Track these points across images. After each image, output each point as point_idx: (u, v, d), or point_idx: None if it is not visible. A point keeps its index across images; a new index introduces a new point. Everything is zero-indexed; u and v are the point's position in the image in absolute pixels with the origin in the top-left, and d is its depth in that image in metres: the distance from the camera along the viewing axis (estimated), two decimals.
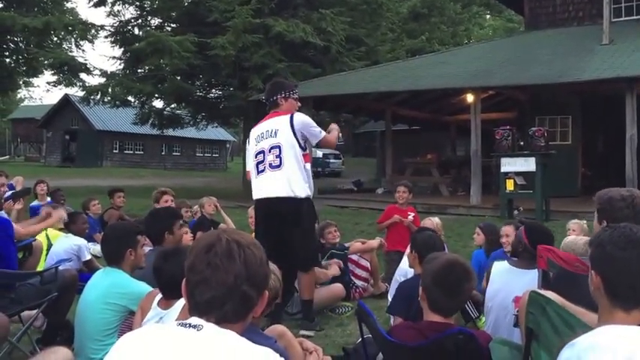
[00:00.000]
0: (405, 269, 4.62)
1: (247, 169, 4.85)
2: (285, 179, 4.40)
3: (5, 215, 4.79)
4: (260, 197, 4.54)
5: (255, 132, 4.69)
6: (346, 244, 5.87)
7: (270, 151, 4.49)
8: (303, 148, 4.50)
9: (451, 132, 18.87)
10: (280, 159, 4.44)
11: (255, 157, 4.60)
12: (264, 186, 4.50)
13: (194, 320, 1.43)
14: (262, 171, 4.52)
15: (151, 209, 5.50)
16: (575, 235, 4.94)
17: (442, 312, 2.46)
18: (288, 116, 4.52)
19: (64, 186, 10.34)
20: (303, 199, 4.44)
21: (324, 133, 4.62)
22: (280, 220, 4.44)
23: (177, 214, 4.23)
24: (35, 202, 8.25)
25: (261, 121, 4.71)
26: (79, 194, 11.04)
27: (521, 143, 10.62)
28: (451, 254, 2.86)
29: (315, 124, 4.63)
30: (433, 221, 5.90)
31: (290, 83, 5.05)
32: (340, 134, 4.94)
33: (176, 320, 1.87)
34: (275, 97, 4.65)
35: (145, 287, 3.22)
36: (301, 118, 4.55)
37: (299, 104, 4.80)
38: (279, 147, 4.46)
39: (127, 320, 3.22)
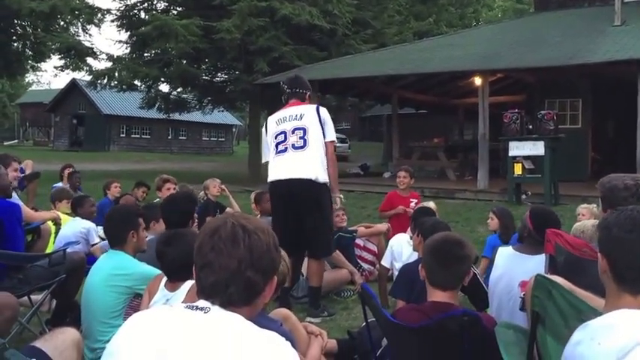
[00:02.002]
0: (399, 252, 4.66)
1: (264, 160, 4.74)
2: (309, 161, 4.35)
3: (16, 198, 4.83)
4: (279, 178, 4.42)
5: (275, 117, 4.64)
6: (350, 229, 5.87)
7: (293, 132, 4.41)
8: (325, 139, 4.52)
9: (459, 115, 18.74)
10: (305, 140, 4.38)
11: (275, 137, 4.49)
12: (285, 167, 4.40)
13: (201, 303, 1.44)
14: (283, 151, 4.43)
15: (171, 194, 5.48)
16: (586, 220, 4.92)
17: (441, 285, 2.50)
18: (315, 106, 4.57)
19: None
20: (323, 184, 4.39)
21: (335, 140, 4.62)
22: (300, 203, 4.35)
23: (195, 201, 4.16)
24: (59, 184, 8.33)
25: (282, 109, 4.67)
26: (86, 178, 11.09)
27: (530, 127, 10.51)
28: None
29: (333, 128, 4.63)
30: (428, 206, 5.89)
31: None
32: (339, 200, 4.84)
33: (183, 302, 1.88)
34: (304, 91, 4.69)
35: (148, 268, 3.24)
36: (326, 113, 4.57)
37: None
38: (304, 129, 4.41)
39: (132, 302, 3.24)
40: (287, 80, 4.82)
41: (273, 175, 4.48)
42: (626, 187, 2.52)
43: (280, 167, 4.43)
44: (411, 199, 6.60)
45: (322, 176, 4.38)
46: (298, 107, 4.56)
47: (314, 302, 4.55)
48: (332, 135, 4.54)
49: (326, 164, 4.43)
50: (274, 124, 4.57)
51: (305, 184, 4.33)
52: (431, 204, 5.95)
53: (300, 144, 4.38)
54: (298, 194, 4.35)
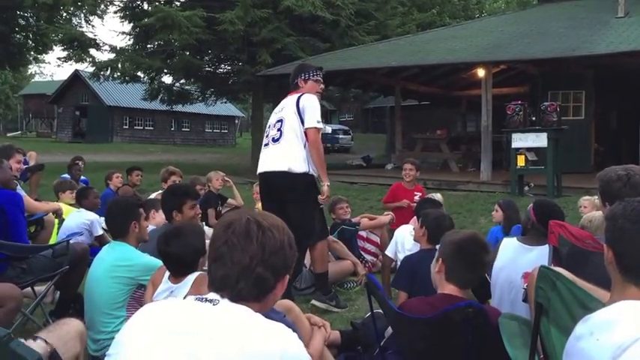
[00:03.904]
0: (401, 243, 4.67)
1: None
2: (282, 153, 4.37)
3: (19, 189, 4.84)
4: (260, 171, 4.55)
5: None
6: (353, 220, 5.88)
7: (274, 125, 4.50)
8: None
9: (462, 107, 18.69)
10: (280, 132, 4.42)
11: (265, 132, 4.65)
12: (264, 160, 4.51)
13: (211, 295, 1.46)
14: (266, 145, 4.54)
15: (170, 185, 5.51)
16: (588, 212, 4.92)
17: (459, 282, 2.51)
18: (297, 95, 4.49)
19: None
20: (298, 174, 4.34)
21: (317, 126, 4.37)
22: (277, 194, 4.42)
23: (190, 193, 4.12)
24: (67, 176, 8.34)
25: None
26: (89, 170, 11.11)
27: (533, 118, 10.49)
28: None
29: (317, 114, 4.42)
30: (435, 198, 5.89)
31: (312, 65, 4.92)
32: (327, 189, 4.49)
33: (188, 294, 1.89)
34: (296, 80, 4.63)
35: (150, 259, 3.25)
36: (307, 99, 4.42)
37: (322, 86, 4.70)
38: (281, 121, 4.45)
39: (135, 293, 3.25)
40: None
41: (258, 168, 4.60)
42: (618, 177, 2.52)
43: (262, 160, 4.55)
44: (415, 193, 6.60)
45: (297, 166, 4.34)
46: (286, 99, 4.58)
47: (322, 287, 4.57)
48: (311, 121, 4.35)
49: (305, 154, 4.35)
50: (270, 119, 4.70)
51: (279, 176, 4.37)
52: (438, 195, 5.96)
53: (277, 136, 4.43)
54: (275, 186, 4.43)
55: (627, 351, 1.32)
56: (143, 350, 1.38)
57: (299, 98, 4.44)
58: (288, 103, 4.51)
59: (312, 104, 4.42)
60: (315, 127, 4.38)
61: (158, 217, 4.33)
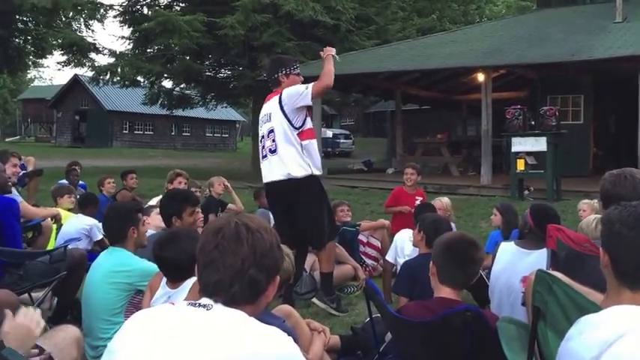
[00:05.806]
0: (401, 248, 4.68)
1: None
2: (281, 163, 4.40)
3: (16, 194, 4.83)
4: (266, 181, 4.58)
5: (260, 115, 4.69)
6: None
7: (268, 136, 4.48)
8: (296, 127, 4.38)
9: (462, 111, 18.73)
10: (275, 143, 4.42)
11: (260, 142, 4.62)
12: (267, 171, 4.53)
13: (204, 300, 1.45)
14: (265, 156, 4.54)
15: (169, 190, 5.50)
16: (587, 215, 4.91)
17: (452, 283, 2.51)
18: (278, 97, 4.42)
19: None
20: (300, 179, 4.37)
21: (310, 88, 4.34)
22: (286, 202, 4.47)
23: (191, 199, 4.07)
24: (64, 181, 8.30)
25: (265, 102, 4.66)
26: (88, 174, 11.09)
27: (533, 123, 10.54)
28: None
29: (298, 88, 4.38)
30: (443, 202, 5.88)
31: (290, 58, 4.82)
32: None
33: (185, 300, 1.88)
34: (276, 75, 4.51)
35: (148, 264, 3.22)
36: (286, 93, 4.38)
37: (302, 79, 4.60)
38: (273, 131, 4.44)
39: (134, 299, 3.23)
40: (265, 71, 4.80)
41: (263, 178, 4.62)
42: (610, 179, 2.57)
43: (265, 171, 4.56)
44: (417, 197, 6.60)
45: (297, 171, 4.36)
46: (270, 102, 4.51)
47: (326, 288, 4.59)
48: (305, 94, 4.29)
49: (302, 156, 4.36)
50: (259, 125, 4.67)
51: (286, 184, 4.40)
52: (445, 199, 5.95)
53: (274, 147, 4.45)
54: (283, 193, 4.46)
55: (613, 346, 1.35)
56: (136, 357, 1.38)
57: (280, 101, 4.39)
58: (273, 109, 4.44)
59: (291, 93, 4.34)
60: (313, 90, 4.32)
61: (152, 222, 4.30)
